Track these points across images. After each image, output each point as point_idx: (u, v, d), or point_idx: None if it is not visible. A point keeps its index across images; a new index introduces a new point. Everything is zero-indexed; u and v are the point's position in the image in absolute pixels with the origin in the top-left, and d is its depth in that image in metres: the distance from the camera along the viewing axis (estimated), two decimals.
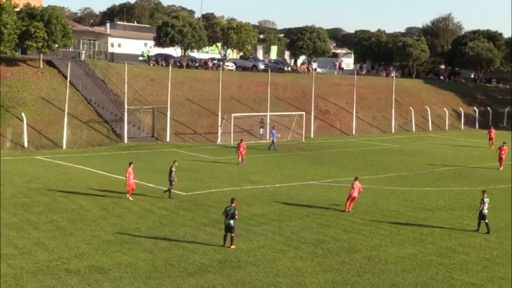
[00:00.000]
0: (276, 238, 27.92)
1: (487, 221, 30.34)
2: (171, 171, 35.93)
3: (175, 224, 30.08)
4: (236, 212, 26.34)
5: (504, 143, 52.42)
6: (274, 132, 59.77)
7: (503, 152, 51.17)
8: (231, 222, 26.14)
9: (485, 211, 30.30)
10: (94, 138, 58.10)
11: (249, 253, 25.54)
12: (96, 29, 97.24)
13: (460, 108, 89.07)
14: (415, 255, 26.18)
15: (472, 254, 26.64)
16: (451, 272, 24.13)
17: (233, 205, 26.53)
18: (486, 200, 30.44)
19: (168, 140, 61.29)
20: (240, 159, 48.51)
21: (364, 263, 24.79)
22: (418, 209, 34.96)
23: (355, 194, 33.99)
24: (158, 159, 50.42)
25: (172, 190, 35.78)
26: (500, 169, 50.03)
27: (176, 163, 37.26)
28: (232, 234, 26.25)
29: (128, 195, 34.90)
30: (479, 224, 30.65)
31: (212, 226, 29.74)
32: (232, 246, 26.08)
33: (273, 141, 58.81)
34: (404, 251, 26.77)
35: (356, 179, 34.84)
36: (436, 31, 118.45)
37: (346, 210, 33.78)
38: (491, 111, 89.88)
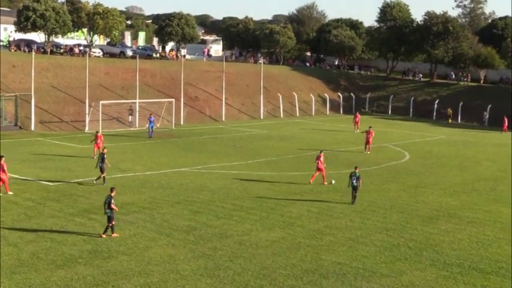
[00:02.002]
0: (148, 226, 27.68)
1: (356, 193, 33.44)
2: (103, 158, 36.08)
3: (42, 215, 29.12)
4: (112, 201, 25.93)
5: (370, 127, 54.44)
6: (153, 119, 59.29)
7: (370, 136, 53.04)
8: (108, 211, 25.82)
9: (355, 184, 33.38)
10: None
11: (120, 242, 25.16)
12: None
13: (326, 94, 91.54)
14: (285, 238, 26.73)
15: (338, 235, 27.52)
16: (319, 253, 24.82)
17: (112, 194, 26.19)
18: (356, 174, 33.64)
19: (32, 128, 59.20)
20: (95, 153, 44.50)
21: (236, 248, 25.04)
22: (287, 193, 35.71)
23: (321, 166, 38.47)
24: (22, 148, 48.59)
25: (103, 176, 36.08)
26: (368, 153, 51.76)
27: (105, 150, 37.54)
28: (109, 224, 25.87)
29: (6, 190, 32.93)
30: (353, 195, 33.60)
31: (81, 216, 29.04)
32: (103, 236, 25.69)
33: (151, 128, 58.04)
34: (274, 234, 27.25)
35: (321, 151, 39.43)
36: (301, 19, 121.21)
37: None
38: (354, 97, 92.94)
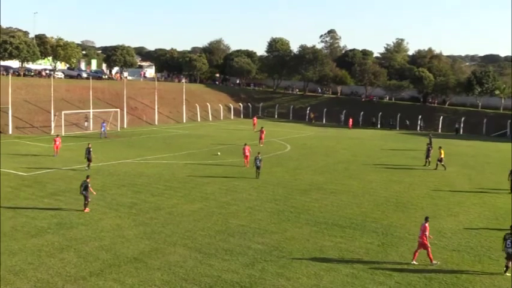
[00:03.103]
0: (100, 203, 26.92)
1: (259, 171, 35.11)
2: (89, 151, 36.66)
3: (19, 198, 27.81)
4: (89, 185, 25.53)
5: (262, 127, 55.08)
6: (105, 125, 58.03)
7: (262, 133, 53.77)
8: (84, 192, 25.38)
9: (258, 164, 34.98)
10: None
11: (79, 216, 24.40)
12: None
13: (230, 104, 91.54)
14: (203, 208, 26.66)
15: (241, 205, 27.70)
16: (227, 218, 24.92)
17: (88, 180, 25.76)
18: (259, 157, 35.28)
19: (10, 133, 56.20)
20: (55, 152, 42.33)
21: (167, 217, 24.78)
22: (204, 176, 35.52)
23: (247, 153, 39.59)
24: (2, 148, 45.94)
25: (90, 164, 36.81)
26: (261, 145, 51.95)
27: (90, 144, 38.06)
28: (85, 201, 25.38)
29: None
30: (257, 173, 34.99)
31: (49, 198, 27.92)
32: (86, 210, 25.24)
33: (102, 131, 56.61)
34: (194, 206, 27.13)
35: (245, 144, 40.84)
36: (212, 50, 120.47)
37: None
38: (251, 106, 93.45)
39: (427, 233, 19.57)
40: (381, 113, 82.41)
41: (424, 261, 19.73)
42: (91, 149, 37.16)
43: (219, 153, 46.03)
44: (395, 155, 48.57)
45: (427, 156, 42.67)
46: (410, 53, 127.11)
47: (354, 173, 38.63)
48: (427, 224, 19.74)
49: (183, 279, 17.41)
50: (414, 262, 19.39)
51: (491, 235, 23.33)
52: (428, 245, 19.59)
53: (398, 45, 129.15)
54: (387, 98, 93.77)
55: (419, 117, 79.10)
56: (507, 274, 18.56)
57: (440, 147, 42.10)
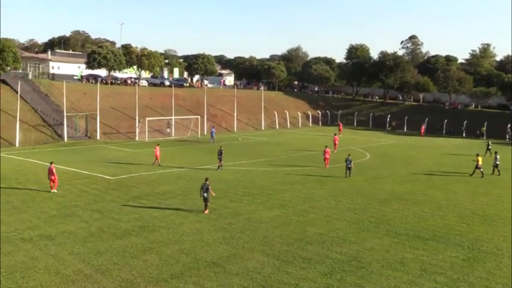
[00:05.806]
0: (181, 208, 27.60)
1: (350, 171, 37.53)
2: (221, 153, 39.97)
3: (106, 200, 29.10)
4: (209, 188, 26.66)
5: (335, 134, 54.90)
6: (214, 130, 62.49)
7: (336, 140, 53.68)
8: (205, 194, 26.45)
9: (349, 166, 37.51)
10: (40, 138, 55.27)
11: (161, 219, 25.12)
12: (40, 55, 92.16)
13: (309, 112, 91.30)
14: (280, 216, 26.63)
15: (319, 213, 27.40)
16: (305, 226, 24.71)
17: (207, 182, 26.83)
18: (349, 158, 37.66)
19: (98, 138, 59.20)
20: (156, 161, 41.90)
21: (245, 223, 24.95)
22: (282, 183, 35.58)
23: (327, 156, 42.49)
24: (91, 152, 48.66)
25: (220, 164, 40.01)
26: (334, 152, 51.50)
27: (222, 147, 41.52)
28: (207, 203, 26.55)
29: (52, 189, 30.75)
30: (346, 173, 37.83)
31: (133, 201, 28.99)
32: (206, 211, 26.42)
33: (212, 136, 60.87)
34: (272, 213, 27.14)
35: (326, 147, 44.00)
36: (290, 57, 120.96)
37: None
38: (329, 113, 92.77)
39: None
40: (466, 121, 79.00)
41: (503, 276, 18.61)
42: (223, 150, 40.41)
43: (240, 139, 50.19)
44: (482, 166, 46.25)
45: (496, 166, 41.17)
46: (498, 58, 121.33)
47: (436, 183, 37.20)
48: None
49: (261, 286, 17.44)
50: None
51: None
52: None
53: (485, 50, 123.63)
54: (473, 105, 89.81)
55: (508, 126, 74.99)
56: None
57: (477, 154, 40.62)
